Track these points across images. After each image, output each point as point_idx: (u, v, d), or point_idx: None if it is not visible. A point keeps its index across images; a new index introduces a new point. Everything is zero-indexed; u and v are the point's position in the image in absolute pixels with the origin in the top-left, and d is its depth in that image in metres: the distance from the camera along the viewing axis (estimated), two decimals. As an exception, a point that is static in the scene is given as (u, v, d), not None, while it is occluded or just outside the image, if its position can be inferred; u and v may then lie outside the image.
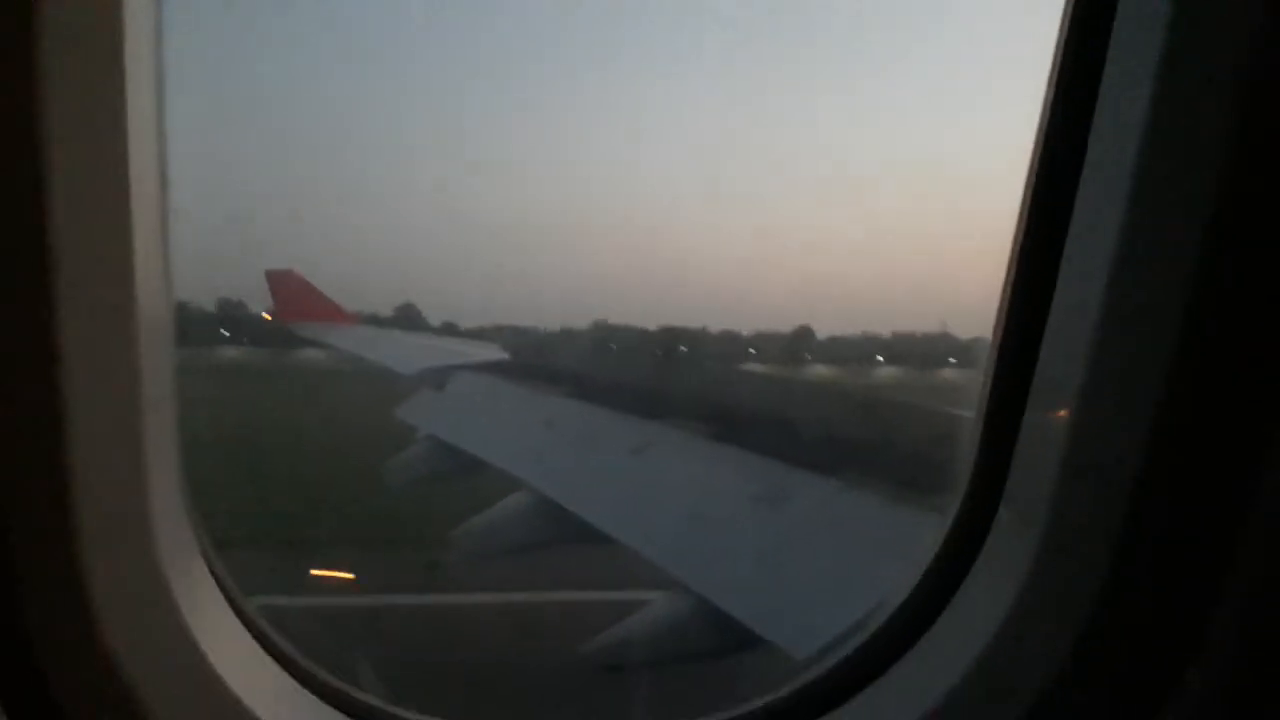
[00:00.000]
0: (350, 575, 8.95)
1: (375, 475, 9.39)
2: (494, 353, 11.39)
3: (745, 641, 4.21)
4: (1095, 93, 0.96)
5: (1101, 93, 0.96)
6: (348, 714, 1.26)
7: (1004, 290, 1.08)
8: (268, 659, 1.25)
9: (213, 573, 1.25)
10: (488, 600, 8.15)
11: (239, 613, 1.25)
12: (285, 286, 17.01)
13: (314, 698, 1.26)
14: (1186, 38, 0.87)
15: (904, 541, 3.98)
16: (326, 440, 15.98)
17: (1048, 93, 1.03)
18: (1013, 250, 1.07)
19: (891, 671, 1.20)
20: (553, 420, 7.68)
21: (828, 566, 4.36)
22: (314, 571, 8.97)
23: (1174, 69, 0.88)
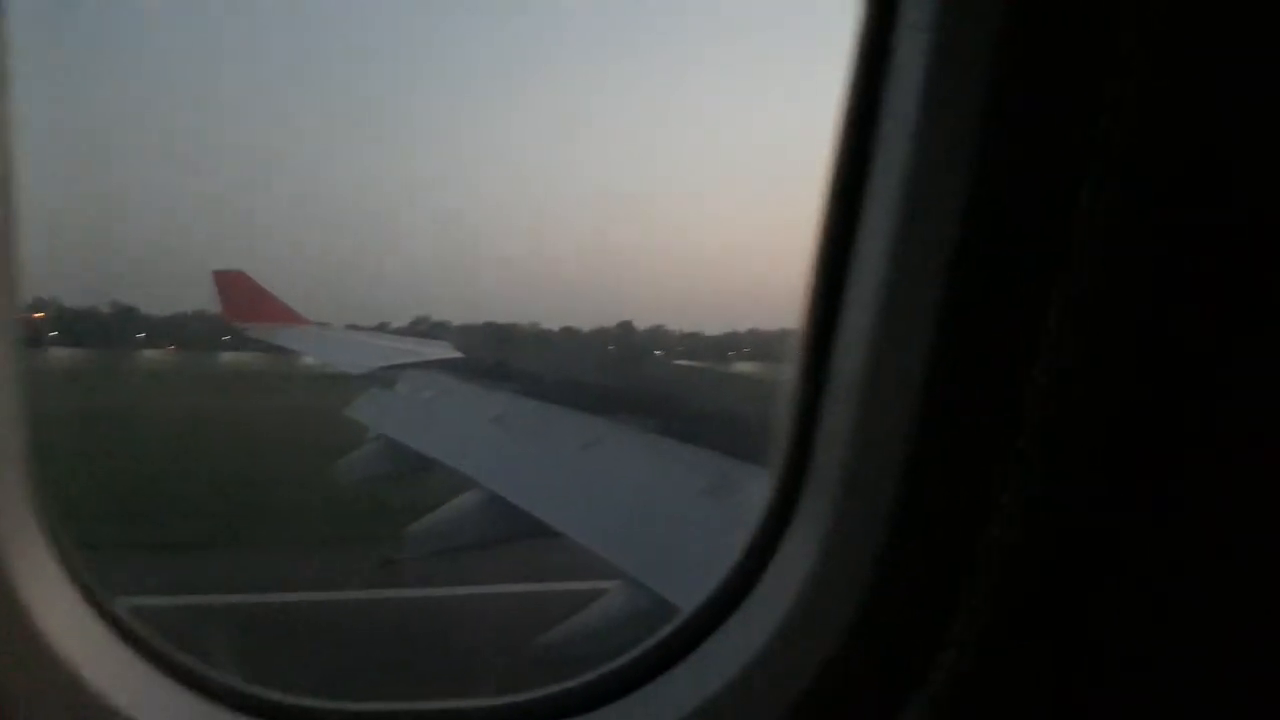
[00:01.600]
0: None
1: (326, 475, 9.35)
2: (444, 350, 11.36)
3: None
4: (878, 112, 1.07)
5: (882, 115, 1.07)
6: (212, 698, 1.26)
7: (807, 290, 1.18)
8: (127, 650, 1.24)
9: (69, 571, 1.22)
10: (441, 594, 8.21)
11: (98, 609, 1.24)
12: (233, 287, 16.76)
13: (175, 684, 1.25)
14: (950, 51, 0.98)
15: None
16: (276, 440, 15.82)
17: (841, 108, 1.12)
18: (813, 256, 1.17)
19: (721, 627, 1.29)
20: (502, 417, 7.70)
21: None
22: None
23: (939, 84, 0.99)
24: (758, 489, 4.39)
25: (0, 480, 1.09)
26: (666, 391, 7.33)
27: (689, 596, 4.33)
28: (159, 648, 1.27)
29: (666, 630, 1.35)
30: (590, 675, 1.33)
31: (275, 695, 1.29)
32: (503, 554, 7.18)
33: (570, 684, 1.33)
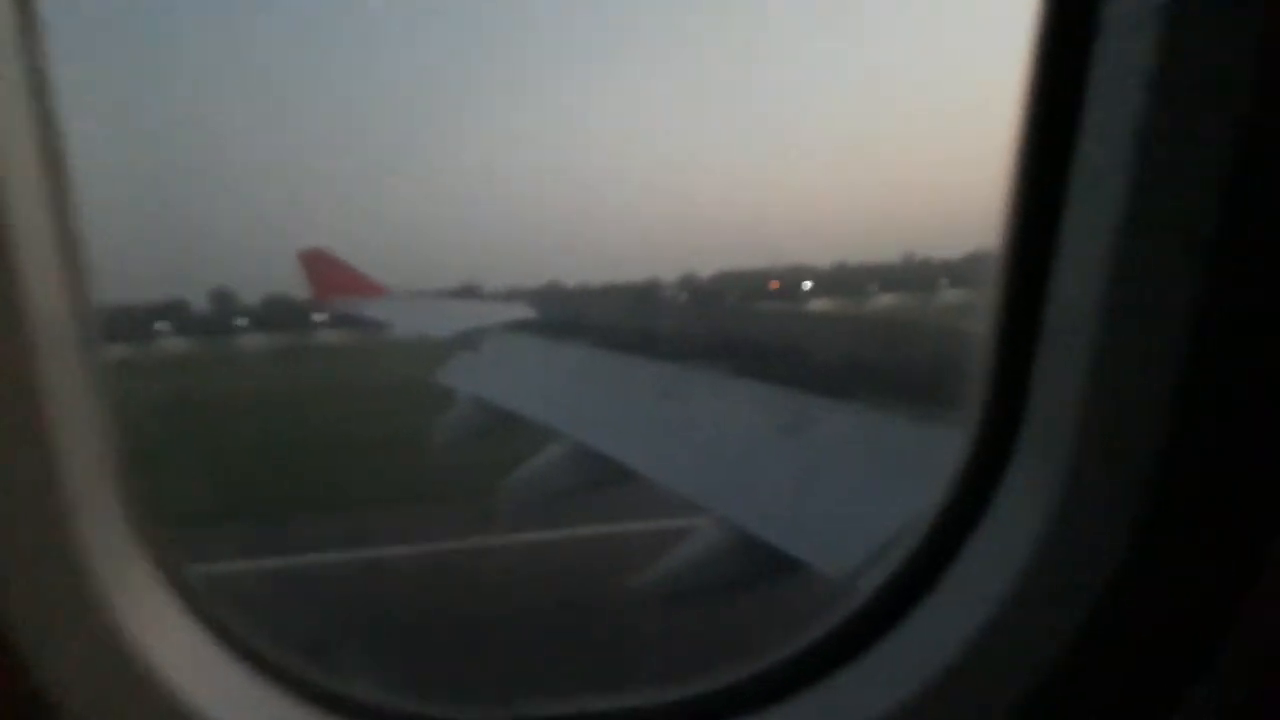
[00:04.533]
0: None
1: (423, 438, 9.76)
2: (523, 311, 11.62)
3: (783, 566, 4.41)
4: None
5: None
6: (297, 693, 1.19)
7: (1010, 198, 0.98)
8: (200, 631, 1.17)
9: (151, 549, 1.16)
10: (542, 538, 8.61)
11: (174, 588, 1.17)
12: (317, 265, 17.29)
13: (255, 678, 1.18)
14: None
15: (926, 457, 4.16)
16: (375, 410, 16.47)
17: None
18: (1017, 155, 0.98)
19: (913, 613, 1.11)
20: (582, 370, 7.92)
21: (856, 488, 4.53)
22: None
23: None
24: (833, 423, 4.45)
25: (88, 477, 1.05)
26: (738, 334, 7.42)
27: (771, 528, 4.44)
28: (237, 633, 1.20)
29: (848, 612, 1.16)
30: (765, 665, 1.16)
31: (357, 692, 1.20)
32: (593, 500, 7.44)
33: (744, 675, 1.17)
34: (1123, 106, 0.84)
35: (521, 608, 7.02)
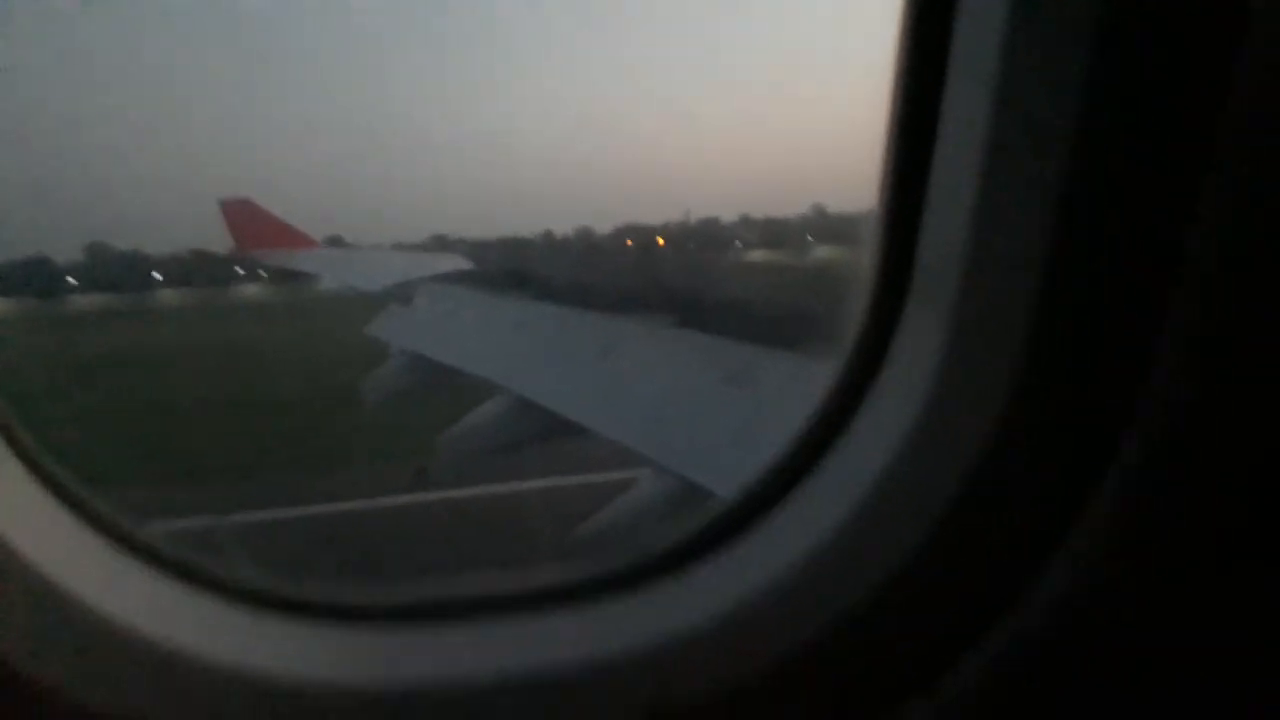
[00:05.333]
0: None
1: (352, 394, 9.54)
2: (458, 263, 11.38)
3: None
4: None
5: None
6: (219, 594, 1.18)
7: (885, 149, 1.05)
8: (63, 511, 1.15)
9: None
10: (474, 494, 8.49)
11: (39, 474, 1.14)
12: (240, 215, 16.66)
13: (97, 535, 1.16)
14: None
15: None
16: (300, 365, 16.05)
17: None
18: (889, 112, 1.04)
19: (810, 477, 1.15)
20: (520, 323, 7.79)
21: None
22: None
23: None
24: (775, 373, 4.43)
25: None
26: (681, 285, 7.36)
27: (713, 478, 4.42)
28: (153, 547, 1.18)
29: (720, 506, 1.19)
30: (640, 554, 1.20)
31: (290, 589, 1.20)
32: (531, 453, 7.37)
33: (617, 564, 1.20)
34: (981, 76, 0.90)
35: (451, 563, 6.91)
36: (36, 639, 0.99)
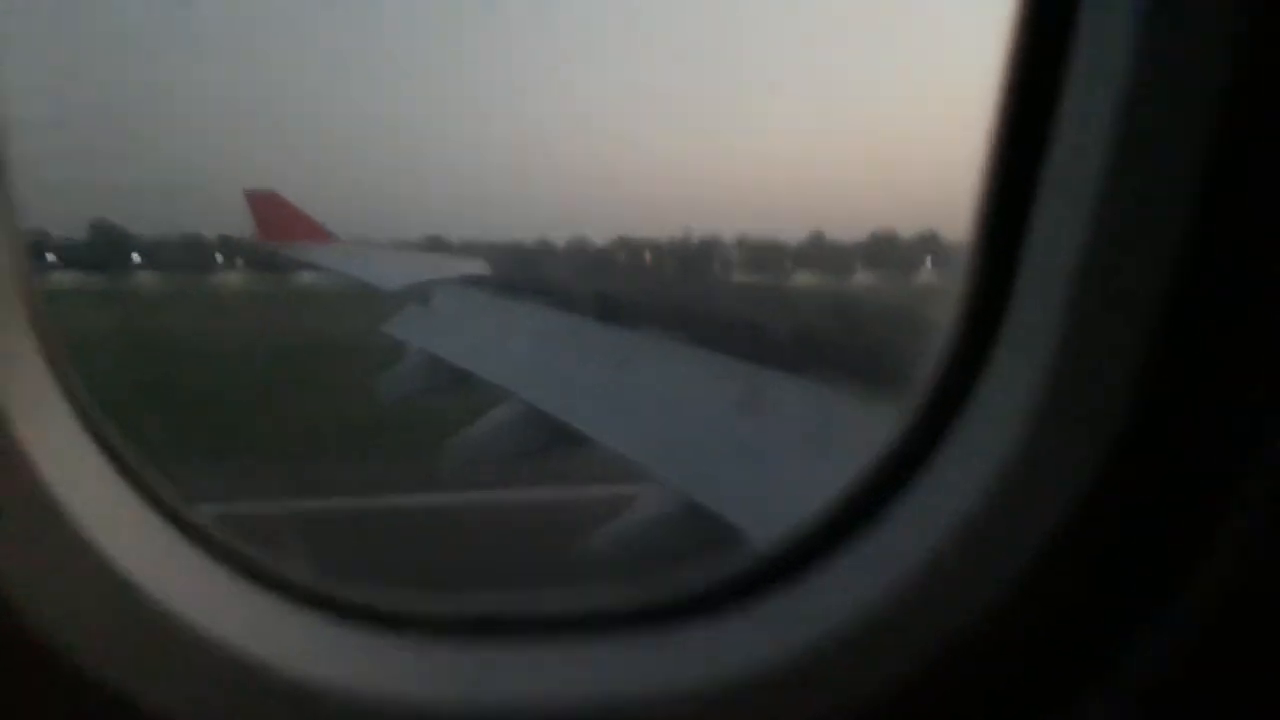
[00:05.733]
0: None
1: (367, 390, 9.59)
2: (477, 267, 11.45)
3: (726, 537, 4.42)
4: None
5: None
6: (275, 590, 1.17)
7: (982, 186, 1.01)
8: (121, 483, 1.13)
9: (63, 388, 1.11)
10: (483, 499, 8.53)
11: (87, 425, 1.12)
12: (265, 207, 16.80)
13: (226, 570, 1.15)
14: None
15: (876, 437, 4.17)
16: (316, 357, 16.14)
17: None
18: (991, 144, 1.00)
19: (886, 513, 1.12)
20: (536, 330, 7.83)
21: (804, 463, 4.55)
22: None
23: None
24: (788, 397, 4.43)
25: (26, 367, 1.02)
26: (699, 303, 7.39)
27: (720, 500, 4.43)
28: (215, 537, 1.17)
29: (815, 518, 1.17)
30: (733, 569, 1.18)
31: (344, 591, 1.19)
32: (541, 462, 7.39)
33: (709, 579, 1.18)
34: (1099, 104, 0.86)
35: (451, 569, 6.94)
36: (88, 620, 0.97)
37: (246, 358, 16.63)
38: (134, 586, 1.00)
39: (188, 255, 27.13)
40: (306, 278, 22.28)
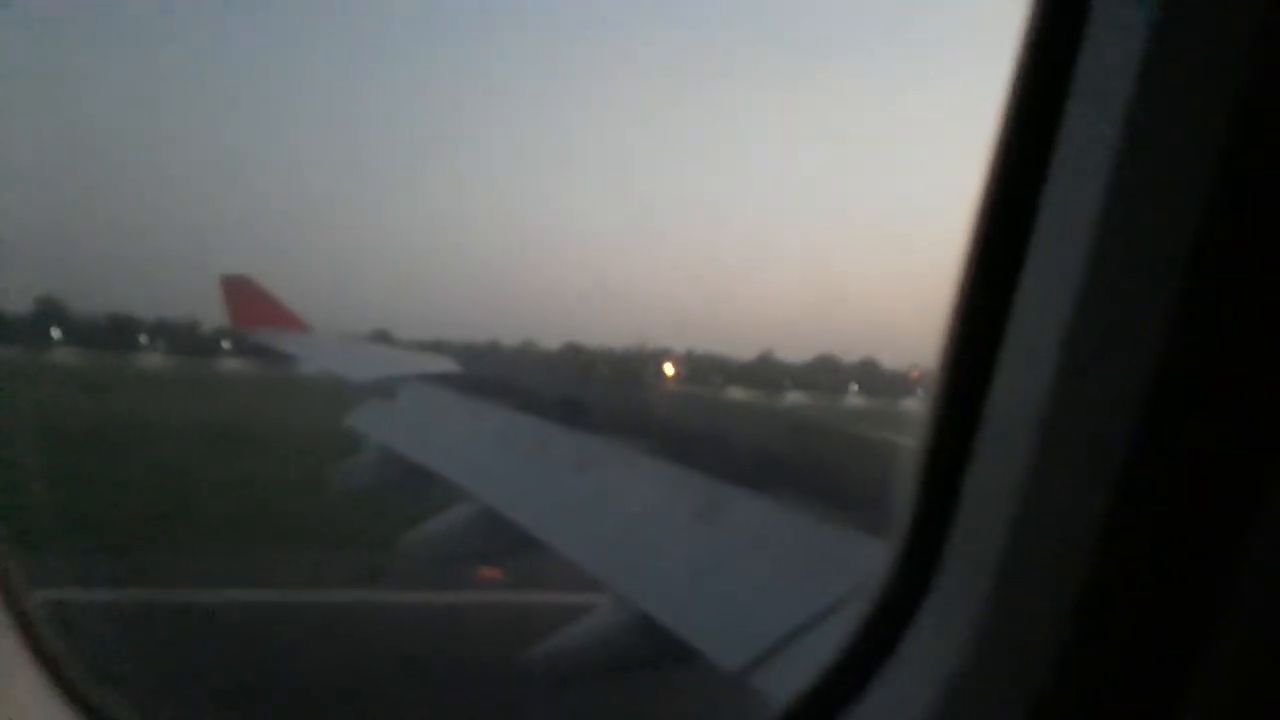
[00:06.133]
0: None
1: (322, 482, 9.42)
2: (444, 364, 11.45)
3: (676, 653, 4.32)
4: (1054, 121, 0.90)
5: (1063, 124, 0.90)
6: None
7: (953, 313, 1.01)
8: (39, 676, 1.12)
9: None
10: (432, 600, 8.29)
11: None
12: (239, 292, 16.83)
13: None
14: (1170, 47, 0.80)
15: (831, 558, 4.17)
16: (275, 447, 15.88)
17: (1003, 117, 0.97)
18: (962, 276, 1.01)
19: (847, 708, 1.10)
20: (499, 432, 7.79)
21: (759, 582, 4.50)
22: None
23: (1150, 84, 0.81)
24: (747, 513, 4.42)
25: None
26: (662, 413, 7.43)
27: (675, 615, 4.35)
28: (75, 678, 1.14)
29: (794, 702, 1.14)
30: None
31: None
32: (492, 566, 7.25)
33: None
34: (1069, 237, 0.86)
35: (386, 674, 6.68)
36: None
37: (199, 442, 16.32)
38: None
39: (177, 339, 26.97)
40: (278, 365, 22.14)
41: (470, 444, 7.99)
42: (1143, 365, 0.81)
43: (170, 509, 11.65)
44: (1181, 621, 0.86)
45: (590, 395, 8.73)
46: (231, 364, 27.12)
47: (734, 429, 6.32)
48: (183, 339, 27.21)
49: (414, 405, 9.69)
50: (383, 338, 20.46)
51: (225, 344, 24.44)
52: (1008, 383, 0.93)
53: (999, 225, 0.96)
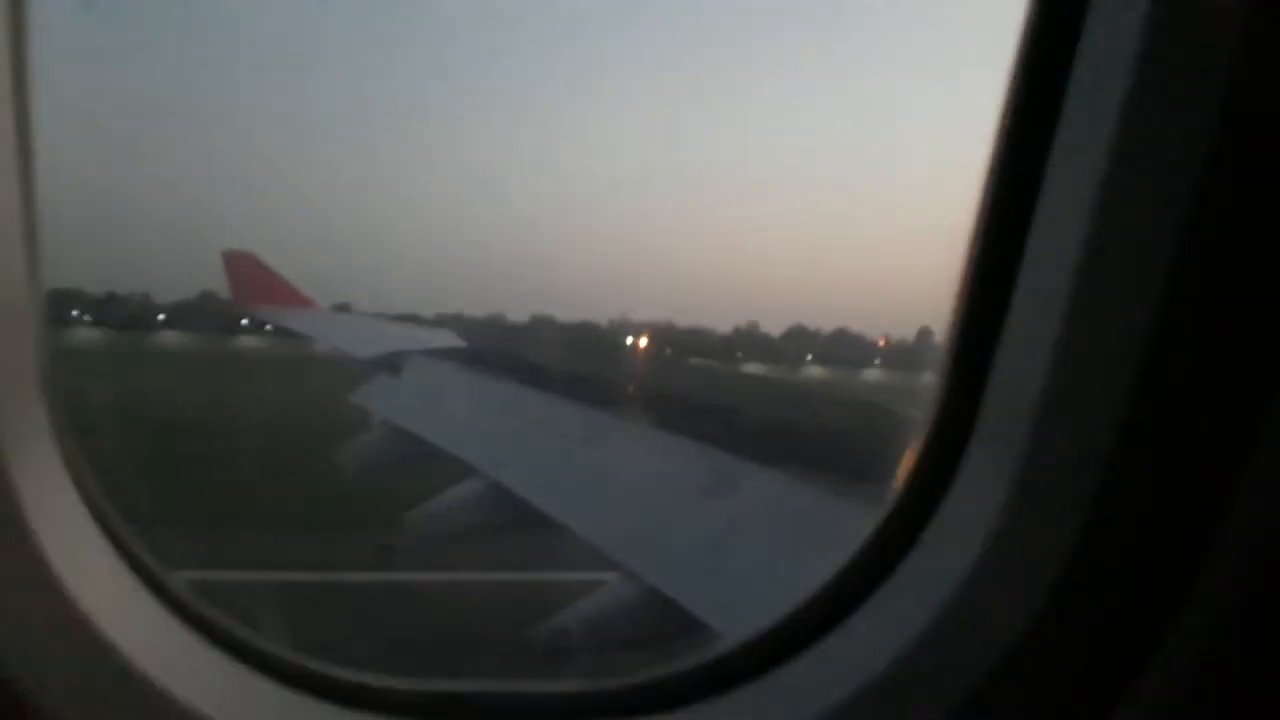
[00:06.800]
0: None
1: (329, 459, 9.40)
2: (449, 339, 11.40)
3: (685, 628, 4.30)
4: (1059, 94, 0.94)
5: (1069, 91, 0.93)
6: (237, 656, 1.21)
7: (964, 273, 1.05)
8: (142, 588, 1.19)
9: (109, 536, 1.18)
10: (435, 579, 8.28)
11: (124, 556, 1.19)
12: (242, 269, 16.74)
13: (194, 635, 1.19)
14: (1167, 34, 0.84)
15: (843, 531, 4.12)
16: (281, 424, 15.89)
17: (1008, 93, 1.00)
18: (969, 243, 1.05)
19: (856, 613, 1.14)
20: (506, 407, 7.74)
21: (772, 555, 4.46)
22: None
23: (1149, 70, 0.85)
24: (756, 486, 4.37)
25: (34, 447, 1.07)
26: (671, 386, 7.36)
27: (686, 591, 4.32)
28: (201, 612, 1.22)
29: (795, 606, 1.18)
30: (708, 657, 1.22)
31: (326, 668, 1.23)
32: (501, 541, 7.23)
33: (686, 666, 1.20)
34: (1069, 215, 0.91)
35: (393, 651, 6.67)
36: (77, 687, 1.00)
37: (205, 420, 16.34)
38: (122, 656, 1.03)
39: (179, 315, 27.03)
40: (282, 341, 22.14)
41: (476, 419, 7.95)
42: (1149, 316, 0.87)
43: (181, 487, 11.68)
44: (1178, 556, 0.90)
45: (595, 369, 8.67)
46: (239, 341, 27.12)
47: (748, 402, 6.25)
48: (185, 317, 27.20)
49: (421, 381, 9.65)
50: (406, 318, 20.40)
51: (242, 321, 24.42)
52: (1022, 318, 0.98)
53: (1004, 200, 1.01)
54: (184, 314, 27.65)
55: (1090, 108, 0.91)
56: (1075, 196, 0.90)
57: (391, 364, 10.26)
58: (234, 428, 15.85)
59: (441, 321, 18.74)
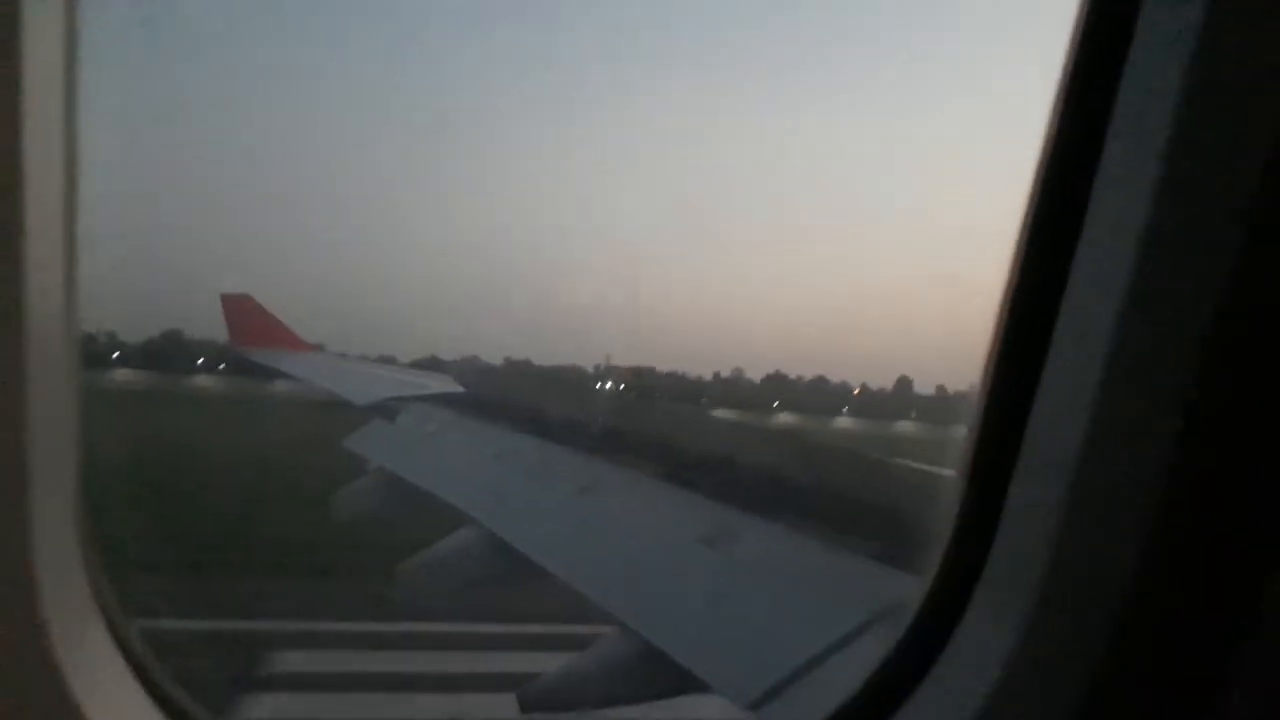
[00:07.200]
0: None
1: (322, 506, 9.31)
2: (447, 384, 11.37)
3: (683, 685, 4.22)
4: (1096, 147, 0.91)
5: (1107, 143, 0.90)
6: None
7: (995, 329, 1.03)
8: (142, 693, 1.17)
9: (100, 605, 1.17)
10: (433, 630, 8.16)
11: (121, 645, 1.18)
12: (240, 310, 16.77)
13: None
14: (1214, 49, 0.80)
15: (843, 588, 4.06)
16: (275, 468, 15.80)
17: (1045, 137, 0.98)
18: (1005, 294, 1.03)
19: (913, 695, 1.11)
20: (502, 455, 7.69)
21: (769, 613, 4.40)
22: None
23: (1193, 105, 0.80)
24: (755, 539, 4.32)
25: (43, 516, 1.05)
26: (670, 436, 7.32)
27: (682, 647, 4.24)
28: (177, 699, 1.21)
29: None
30: None
31: None
32: (495, 593, 7.12)
33: None
34: (1101, 300, 0.88)
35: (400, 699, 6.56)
36: None
37: (198, 465, 16.23)
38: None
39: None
40: (277, 385, 22.07)
41: (472, 467, 7.89)
42: (1185, 380, 0.82)
43: (174, 535, 11.53)
44: (1219, 635, 0.87)
45: (590, 415, 8.63)
46: (229, 383, 27.03)
47: (746, 453, 6.21)
48: (170, 354, 27.06)
49: (416, 427, 9.60)
50: (388, 360, 20.38)
51: (225, 363, 24.32)
52: (1051, 396, 0.93)
53: (1043, 240, 0.97)
54: (148, 353, 27.45)
55: (1129, 152, 0.88)
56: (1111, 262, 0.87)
57: (387, 410, 10.22)
58: (225, 472, 15.74)
59: (419, 364, 18.72)
